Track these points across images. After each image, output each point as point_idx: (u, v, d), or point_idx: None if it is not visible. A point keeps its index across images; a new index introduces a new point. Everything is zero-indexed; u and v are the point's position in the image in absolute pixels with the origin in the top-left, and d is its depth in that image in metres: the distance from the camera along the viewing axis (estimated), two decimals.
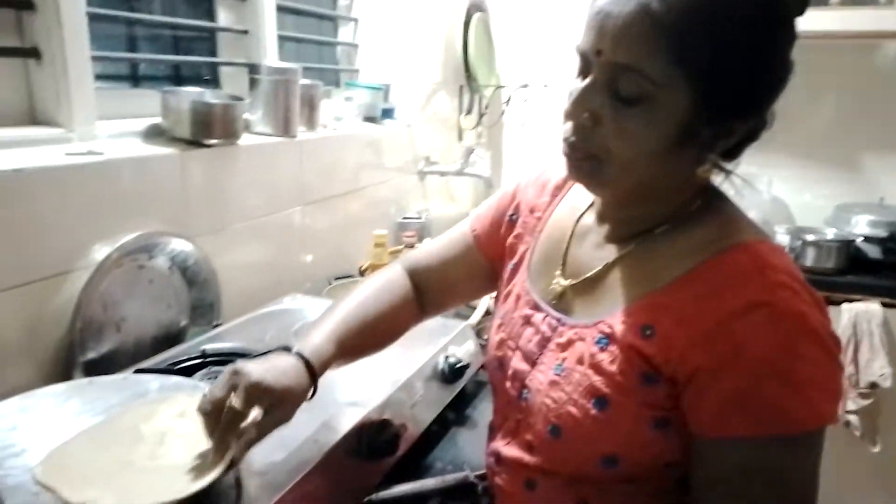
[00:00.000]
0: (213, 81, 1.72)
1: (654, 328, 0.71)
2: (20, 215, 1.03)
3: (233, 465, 0.71)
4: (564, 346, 0.79)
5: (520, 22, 2.89)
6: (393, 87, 2.28)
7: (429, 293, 1.03)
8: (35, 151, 1.11)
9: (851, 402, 2.18)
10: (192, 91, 1.43)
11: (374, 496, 0.99)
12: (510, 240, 0.95)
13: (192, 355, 1.14)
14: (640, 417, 0.72)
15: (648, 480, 0.76)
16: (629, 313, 0.74)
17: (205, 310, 1.35)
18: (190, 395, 0.86)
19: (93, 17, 1.24)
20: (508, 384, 0.86)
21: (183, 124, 1.32)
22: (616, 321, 0.74)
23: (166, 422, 0.82)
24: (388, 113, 2.20)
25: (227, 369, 0.74)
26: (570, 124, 0.73)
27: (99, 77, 1.33)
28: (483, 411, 1.27)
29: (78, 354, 1.09)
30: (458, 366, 1.23)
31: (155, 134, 1.35)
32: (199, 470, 0.73)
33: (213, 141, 1.36)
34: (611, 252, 0.80)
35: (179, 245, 1.27)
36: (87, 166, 1.12)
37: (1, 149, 1.08)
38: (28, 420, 0.86)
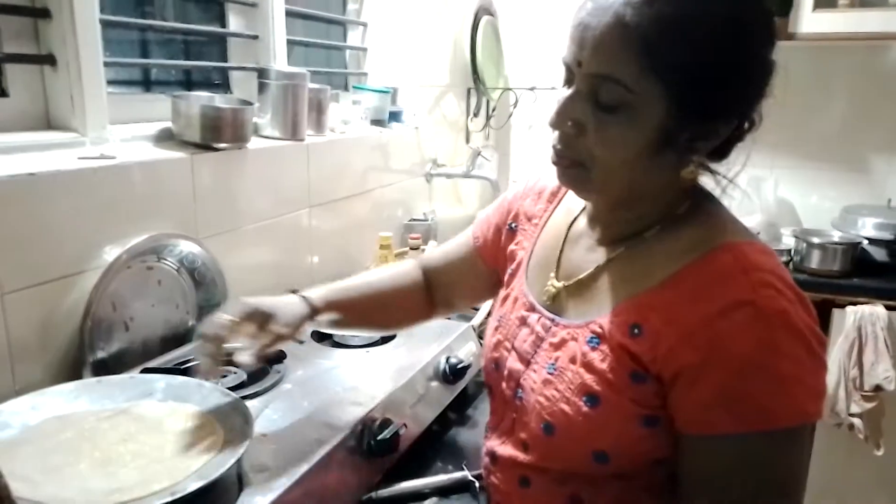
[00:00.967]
0: (223, 86, 1.75)
1: (642, 327, 0.73)
2: (34, 217, 1.05)
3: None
4: (557, 346, 0.81)
5: (527, 25, 2.90)
6: (401, 90, 2.30)
7: (438, 290, 1.09)
8: (49, 155, 1.14)
9: (855, 405, 2.18)
10: (201, 96, 1.46)
11: (374, 494, 1.01)
12: (511, 247, 0.98)
13: None
14: (630, 414, 0.74)
15: (639, 476, 0.78)
16: (618, 313, 0.76)
17: (212, 310, 1.36)
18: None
19: (106, 24, 1.27)
20: (504, 384, 0.88)
21: (193, 128, 1.34)
22: (606, 321, 0.76)
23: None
24: (395, 116, 2.21)
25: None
26: (556, 133, 0.76)
27: (111, 82, 1.36)
28: (483, 411, 1.28)
29: (87, 354, 1.11)
30: (460, 366, 1.25)
31: (166, 138, 1.38)
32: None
33: (223, 145, 1.39)
34: (602, 255, 0.83)
35: (188, 247, 1.30)
36: (99, 170, 1.15)
37: (16, 153, 1.11)
38: (38, 418, 0.89)
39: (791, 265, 2.41)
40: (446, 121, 2.57)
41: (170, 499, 0.72)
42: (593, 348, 0.76)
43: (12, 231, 1.02)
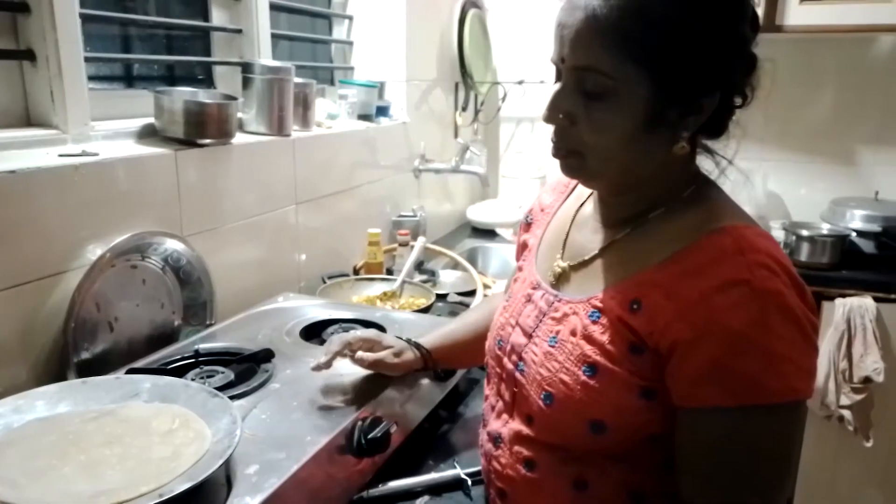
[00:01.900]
0: (206, 81, 1.73)
1: (642, 302, 0.75)
2: (14, 216, 1.03)
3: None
4: (559, 320, 0.84)
5: (515, 18, 2.89)
6: (388, 84, 2.29)
7: None
8: (29, 153, 1.12)
9: (845, 397, 2.19)
10: (185, 91, 1.44)
11: (365, 493, 1.00)
12: (524, 236, 1.03)
13: (186, 355, 1.15)
14: (628, 385, 0.76)
15: (641, 458, 0.79)
16: (619, 290, 0.79)
17: (198, 309, 1.36)
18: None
19: (86, 19, 1.25)
20: (506, 359, 0.90)
21: (176, 124, 1.33)
22: (607, 296, 0.79)
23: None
24: (382, 111, 2.20)
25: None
26: (552, 127, 0.80)
27: (93, 78, 1.34)
28: (475, 409, 1.28)
29: (71, 354, 1.09)
30: None
31: (149, 134, 1.36)
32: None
33: (207, 140, 1.37)
34: (607, 236, 0.86)
35: (172, 245, 1.28)
36: (81, 167, 1.13)
37: None
38: (22, 420, 0.87)
39: None
40: (434, 115, 2.56)
41: (157, 500, 0.71)
42: (594, 322, 0.79)
43: None
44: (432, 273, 2.05)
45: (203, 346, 1.17)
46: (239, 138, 1.50)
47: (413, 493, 1.03)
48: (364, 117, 2.10)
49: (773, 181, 2.72)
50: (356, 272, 2.01)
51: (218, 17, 1.70)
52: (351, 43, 2.30)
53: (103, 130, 1.28)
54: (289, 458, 0.87)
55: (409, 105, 2.33)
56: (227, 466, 0.81)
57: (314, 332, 1.33)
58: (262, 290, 1.56)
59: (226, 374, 1.07)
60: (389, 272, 2.00)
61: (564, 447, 0.82)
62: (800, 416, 0.74)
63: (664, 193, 0.82)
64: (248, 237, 1.56)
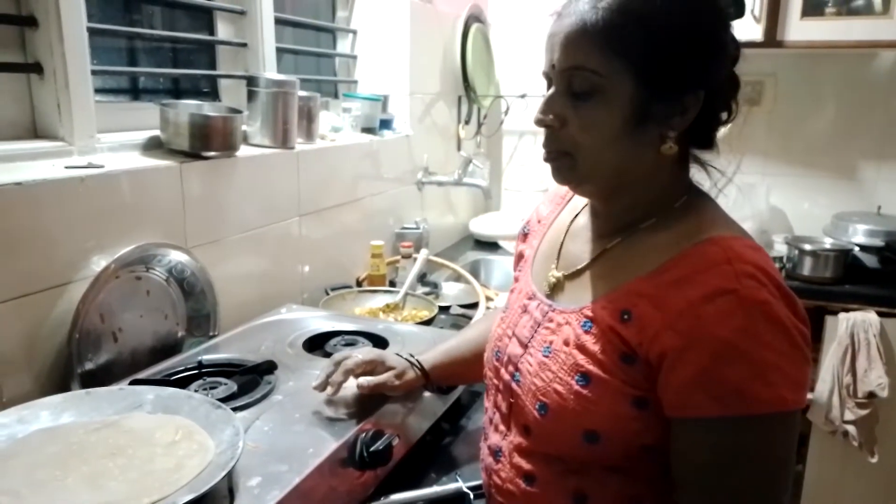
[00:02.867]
0: (212, 94, 1.74)
1: (632, 313, 0.76)
2: (20, 227, 1.04)
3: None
4: (553, 330, 0.84)
5: (518, 33, 2.90)
6: (391, 97, 2.30)
7: None
8: (36, 165, 1.13)
9: (849, 412, 2.18)
10: (190, 104, 1.45)
11: None
12: (521, 246, 1.05)
13: (189, 366, 1.15)
14: (621, 394, 0.76)
15: (638, 469, 0.79)
16: (611, 299, 0.79)
17: (201, 320, 1.36)
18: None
19: (93, 32, 1.26)
20: (503, 370, 0.91)
21: (181, 137, 1.34)
22: (598, 306, 0.80)
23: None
24: (386, 124, 2.21)
25: None
26: (544, 132, 0.82)
27: (99, 91, 1.35)
28: (477, 422, 1.27)
29: (75, 365, 1.10)
30: None
31: (154, 146, 1.37)
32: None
33: (212, 153, 1.38)
34: (599, 246, 0.87)
35: (177, 256, 1.29)
36: (86, 179, 1.14)
37: (2, 162, 1.10)
38: (26, 430, 0.87)
39: (783, 272, 2.41)
40: (437, 128, 2.57)
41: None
42: (586, 331, 0.80)
43: None
44: (435, 285, 2.05)
45: (206, 358, 1.18)
46: (243, 151, 1.51)
47: None
48: (368, 130, 2.11)
49: (776, 195, 2.72)
50: (359, 284, 2.01)
51: (223, 31, 1.71)
52: (355, 57, 2.31)
53: (109, 143, 1.28)
54: (291, 470, 0.87)
55: (412, 118, 2.34)
56: (229, 478, 0.81)
57: (317, 344, 1.33)
58: (265, 301, 1.56)
59: (229, 386, 1.07)
60: (392, 284, 2.00)
61: (561, 458, 0.82)
62: (792, 427, 0.73)
63: (655, 202, 0.83)
64: (251, 249, 1.57)
